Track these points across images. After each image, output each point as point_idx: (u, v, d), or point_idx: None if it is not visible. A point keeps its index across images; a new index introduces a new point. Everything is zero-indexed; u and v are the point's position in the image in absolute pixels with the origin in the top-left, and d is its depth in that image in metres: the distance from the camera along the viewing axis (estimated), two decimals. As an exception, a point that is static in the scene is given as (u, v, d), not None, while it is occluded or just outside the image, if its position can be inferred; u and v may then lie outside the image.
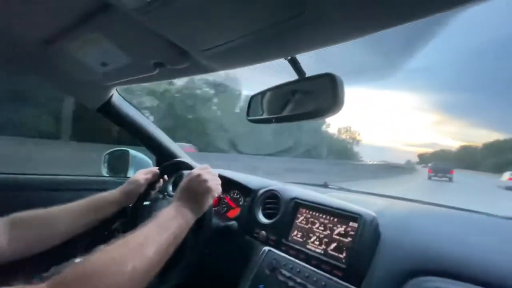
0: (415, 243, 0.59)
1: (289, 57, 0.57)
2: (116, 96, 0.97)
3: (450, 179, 18.34)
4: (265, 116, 0.71)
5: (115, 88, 0.93)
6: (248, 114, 0.74)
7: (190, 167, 0.82)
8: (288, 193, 0.84)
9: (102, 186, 0.84)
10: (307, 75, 0.58)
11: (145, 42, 0.58)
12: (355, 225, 0.65)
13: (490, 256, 0.52)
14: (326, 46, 0.50)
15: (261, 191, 0.92)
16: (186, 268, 0.65)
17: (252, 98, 0.73)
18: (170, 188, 1.12)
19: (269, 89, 0.68)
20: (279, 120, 0.66)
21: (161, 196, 0.98)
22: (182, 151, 1.27)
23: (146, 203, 0.93)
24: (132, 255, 0.45)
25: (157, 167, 0.93)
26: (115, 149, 1.22)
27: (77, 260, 0.86)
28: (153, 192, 0.93)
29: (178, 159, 0.96)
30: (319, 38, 0.49)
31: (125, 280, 0.42)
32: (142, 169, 0.93)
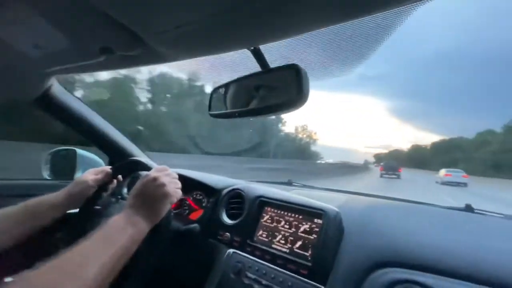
0: (375, 236, 0.60)
1: (252, 48, 0.54)
2: (56, 86, 0.84)
3: (398, 176, 20.99)
4: (228, 110, 0.67)
5: (54, 77, 0.80)
6: (210, 109, 0.70)
7: (147, 168, 0.74)
8: (253, 192, 0.81)
9: (43, 191, 0.72)
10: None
11: (88, 22, 0.50)
12: (320, 221, 0.65)
13: (442, 244, 0.55)
14: (293, 36, 0.49)
15: (225, 191, 0.88)
16: (139, 279, 0.58)
17: (214, 92, 0.69)
18: (125, 190, 1.02)
19: (231, 82, 0.65)
20: (243, 114, 0.63)
21: (114, 199, 0.88)
22: (139, 150, 1.17)
23: (96, 207, 0.82)
24: (66, 282, 0.38)
25: (110, 167, 0.83)
26: (59, 148, 1.08)
27: (8, 279, 0.73)
28: (105, 195, 0.83)
29: (133, 158, 0.87)
30: (285, 27, 0.46)
31: None
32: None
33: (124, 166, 0.84)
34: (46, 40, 0.55)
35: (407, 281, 0.48)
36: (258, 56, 0.55)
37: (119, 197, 0.93)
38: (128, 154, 1.09)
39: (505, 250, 0.52)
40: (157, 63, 0.65)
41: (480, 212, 0.78)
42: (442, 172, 18.86)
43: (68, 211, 0.74)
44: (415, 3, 0.37)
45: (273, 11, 0.41)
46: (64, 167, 1.07)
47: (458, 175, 18.01)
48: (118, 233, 0.49)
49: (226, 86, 0.66)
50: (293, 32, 0.48)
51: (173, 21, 0.45)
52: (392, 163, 23.35)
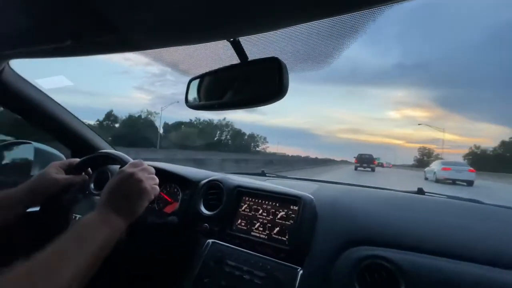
0: (345, 219, 0.66)
1: (231, 39, 0.54)
2: (8, 72, 0.74)
3: (373, 169, 20.24)
4: (205, 102, 0.67)
5: (6, 61, 0.71)
6: (186, 100, 0.68)
7: (121, 162, 0.71)
8: (231, 182, 0.83)
9: None
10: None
11: (57, 4, 0.45)
12: (296, 208, 0.69)
13: (401, 223, 0.63)
14: (272, 30, 0.49)
15: (202, 182, 0.87)
16: (118, 274, 0.56)
17: (190, 82, 0.68)
18: (91, 186, 0.97)
19: (208, 73, 0.64)
20: (222, 106, 0.63)
21: (80, 195, 0.83)
22: (105, 142, 1.10)
23: (59, 204, 0.77)
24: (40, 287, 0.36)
25: (77, 159, 0.78)
26: (9, 141, 0.97)
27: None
28: (72, 190, 0.77)
29: (105, 151, 0.82)
30: (264, 21, 0.47)
31: None
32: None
33: (93, 159, 0.79)
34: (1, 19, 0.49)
35: (373, 256, 0.55)
36: (238, 48, 0.55)
37: (87, 192, 0.87)
38: (94, 147, 1.02)
39: (447, 223, 0.62)
40: (128, 51, 0.62)
41: (430, 194, 0.89)
42: (436, 164, 13.72)
43: (29, 208, 0.68)
44: (388, 4, 0.40)
45: (253, 4, 0.42)
46: (17, 163, 0.98)
47: (461, 169, 12.46)
48: (93, 233, 0.46)
49: (203, 77, 0.66)
50: (272, 26, 0.49)
51: (151, 10, 0.43)
52: (367, 155, 21.35)
